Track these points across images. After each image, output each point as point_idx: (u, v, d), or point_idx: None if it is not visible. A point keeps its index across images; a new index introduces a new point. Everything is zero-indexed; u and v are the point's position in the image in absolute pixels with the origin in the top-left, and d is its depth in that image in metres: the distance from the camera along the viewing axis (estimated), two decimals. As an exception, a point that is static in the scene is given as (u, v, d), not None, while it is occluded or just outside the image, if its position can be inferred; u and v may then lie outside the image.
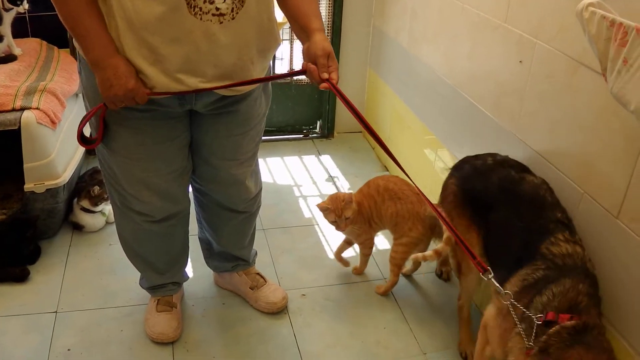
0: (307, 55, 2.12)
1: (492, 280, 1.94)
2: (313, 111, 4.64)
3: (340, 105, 4.59)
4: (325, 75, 2.07)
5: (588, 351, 1.76)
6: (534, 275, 2.08)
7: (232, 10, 2.02)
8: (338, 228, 2.96)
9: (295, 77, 4.45)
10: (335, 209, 2.89)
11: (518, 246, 2.23)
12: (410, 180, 2.16)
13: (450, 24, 3.20)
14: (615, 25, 1.51)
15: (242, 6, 2.04)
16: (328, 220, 2.96)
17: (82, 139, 2.24)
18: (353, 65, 4.52)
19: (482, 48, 2.87)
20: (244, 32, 2.10)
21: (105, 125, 2.22)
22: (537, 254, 2.11)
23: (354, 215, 2.93)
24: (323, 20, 4.11)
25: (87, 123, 2.26)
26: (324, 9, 4.29)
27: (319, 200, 3.76)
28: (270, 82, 2.56)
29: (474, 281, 2.66)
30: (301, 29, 2.18)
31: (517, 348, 1.95)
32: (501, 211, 2.35)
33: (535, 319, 1.89)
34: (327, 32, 4.36)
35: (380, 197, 2.97)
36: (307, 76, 2.13)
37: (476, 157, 2.60)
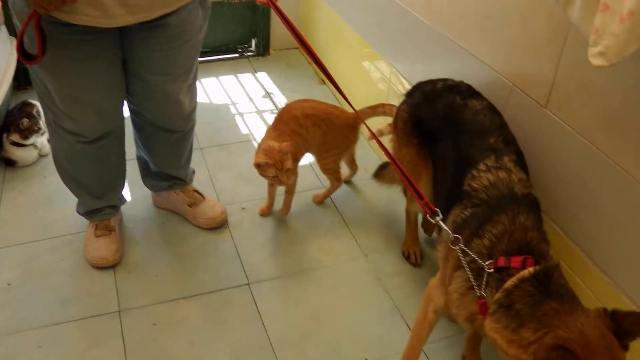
0: None
1: (440, 223, 1.90)
2: (247, 29, 4.56)
3: (275, 22, 4.52)
4: None
5: (563, 304, 1.62)
6: (462, 216, 1.98)
7: None
8: (280, 183, 2.72)
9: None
10: (275, 163, 2.62)
11: (450, 182, 2.17)
12: (348, 102, 2.16)
13: None
14: None
15: None
16: (267, 177, 2.69)
17: (23, 55, 2.14)
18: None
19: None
20: None
21: (44, 37, 2.10)
22: (462, 191, 2.03)
23: (293, 163, 2.72)
24: None
25: (26, 40, 2.15)
26: None
27: (257, 118, 3.75)
28: None
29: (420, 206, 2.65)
30: None
31: (468, 299, 1.84)
32: (443, 142, 2.29)
33: (485, 266, 1.76)
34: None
35: (305, 129, 2.84)
36: None
37: (428, 82, 2.50)
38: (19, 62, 2.46)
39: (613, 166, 1.87)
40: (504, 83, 2.30)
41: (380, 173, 2.99)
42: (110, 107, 2.47)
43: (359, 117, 2.46)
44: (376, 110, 2.91)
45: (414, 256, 2.83)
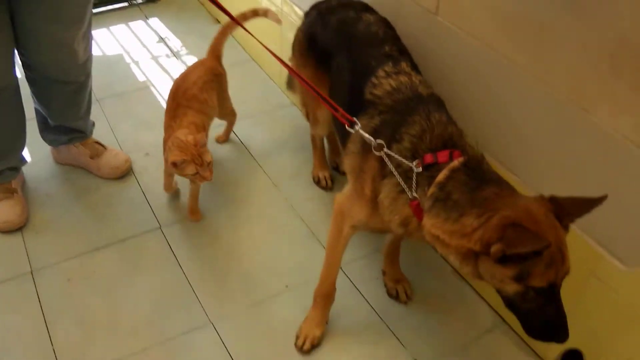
0: None
1: (361, 131, 1.86)
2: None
3: (162, -34, 4.41)
4: None
5: (502, 188, 1.64)
6: (372, 125, 1.94)
7: None
8: (203, 179, 2.42)
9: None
10: (193, 158, 2.36)
11: (349, 94, 2.14)
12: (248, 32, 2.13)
13: None
14: None
15: None
16: (188, 175, 2.42)
17: None
18: None
19: None
20: None
21: None
22: (364, 100, 2.00)
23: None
24: None
25: None
26: None
27: (152, 64, 3.66)
28: None
29: (324, 129, 2.65)
30: None
31: (400, 204, 1.81)
32: (338, 57, 2.25)
33: (413, 166, 1.74)
34: None
35: (205, 102, 2.64)
36: None
37: (323, 1, 2.46)
38: None
39: (508, 65, 1.89)
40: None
41: (293, 84, 2.95)
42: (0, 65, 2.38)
43: (238, 24, 2.33)
44: (253, 14, 2.80)
45: (324, 180, 2.83)
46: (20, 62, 2.54)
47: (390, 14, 2.32)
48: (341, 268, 2.29)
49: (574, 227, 1.63)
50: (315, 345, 2.24)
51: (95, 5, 4.23)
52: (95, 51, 3.72)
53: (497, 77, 1.97)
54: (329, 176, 2.85)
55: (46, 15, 2.32)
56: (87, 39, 2.57)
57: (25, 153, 2.83)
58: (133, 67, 3.69)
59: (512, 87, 1.93)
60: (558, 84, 1.75)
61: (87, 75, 2.71)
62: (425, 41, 2.22)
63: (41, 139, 2.90)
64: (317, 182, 2.84)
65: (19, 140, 2.71)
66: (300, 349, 2.23)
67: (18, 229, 2.65)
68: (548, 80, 1.78)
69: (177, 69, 3.51)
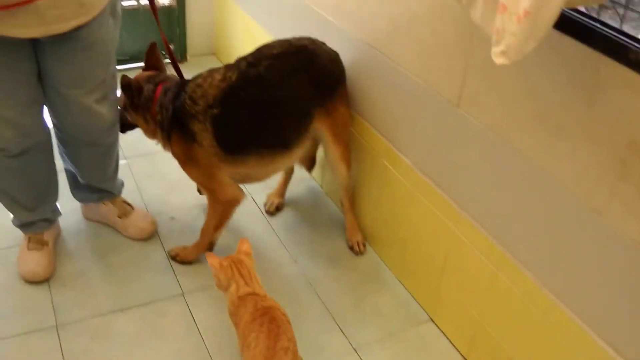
0: None
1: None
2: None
3: (191, 28, 4.54)
4: None
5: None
6: None
7: None
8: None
9: (143, 1, 4.34)
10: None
11: None
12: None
13: None
14: None
15: None
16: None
17: None
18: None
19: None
20: None
21: None
22: None
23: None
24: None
25: None
26: None
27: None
28: (119, 5, 2.51)
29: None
30: None
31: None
32: None
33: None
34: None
35: None
36: None
37: None
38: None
39: (524, 160, 1.97)
40: (416, 83, 2.41)
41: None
42: (29, 122, 2.46)
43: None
44: None
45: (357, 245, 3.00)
46: (50, 120, 2.65)
47: (412, 102, 2.44)
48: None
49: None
50: None
51: (125, 62, 4.36)
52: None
53: (511, 171, 2.06)
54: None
55: (70, 79, 2.43)
56: (111, 101, 2.64)
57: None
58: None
59: (525, 181, 2.02)
60: (571, 183, 1.84)
61: (115, 138, 2.80)
62: (446, 131, 2.32)
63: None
64: (351, 247, 3.00)
65: (51, 193, 2.81)
66: None
67: (44, 280, 2.72)
68: (561, 179, 1.86)
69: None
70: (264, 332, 2.06)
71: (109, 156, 2.82)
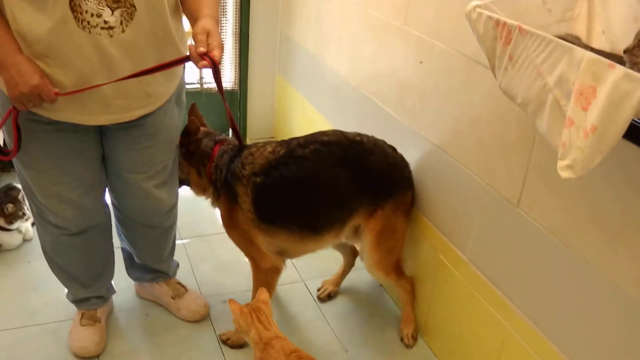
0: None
1: None
2: (224, 119, 4.60)
3: (251, 111, 4.64)
4: (202, 50, 2.01)
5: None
6: None
7: (121, 23, 2.04)
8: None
9: (205, 85, 4.47)
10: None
11: None
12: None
13: (352, 28, 3.29)
14: (500, 25, 1.61)
15: (132, 19, 2.06)
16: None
17: None
18: (262, 71, 4.57)
19: (384, 50, 2.97)
20: (136, 44, 2.11)
21: (19, 133, 2.16)
22: None
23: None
24: (230, 27, 4.18)
25: (4, 135, 2.23)
26: (230, 15, 4.33)
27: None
28: (184, 93, 2.58)
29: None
30: (195, 22, 2.15)
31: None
32: None
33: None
34: (235, 39, 4.40)
35: None
36: (191, 60, 2.07)
37: None
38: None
39: (583, 265, 1.96)
40: (477, 181, 2.41)
41: None
42: (91, 204, 2.51)
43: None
44: None
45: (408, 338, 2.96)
46: (110, 201, 2.71)
47: (471, 199, 2.45)
48: None
49: None
50: None
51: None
52: (184, 190, 3.92)
53: (569, 274, 2.03)
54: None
55: (133, 165, 2.49)
56: (171, 186, 2.70)
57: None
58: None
59: (583, 285, 1.98)
60: (630, 289, 1.80)
61: (173, 221, 2.85)
62: (504, 230, 2.32)
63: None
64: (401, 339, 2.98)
65: (107, 272, 2.85)
66: None
67: (95, 357, 2.74)
68: (620, 284, 1.83)
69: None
70: None
71: (166, 238, 2.86)
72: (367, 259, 2.78)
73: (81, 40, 2.02)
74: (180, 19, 2.33)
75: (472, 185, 2.43)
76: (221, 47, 2.04)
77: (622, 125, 1.33)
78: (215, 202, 2.81)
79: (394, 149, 2.75)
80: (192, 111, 2.86)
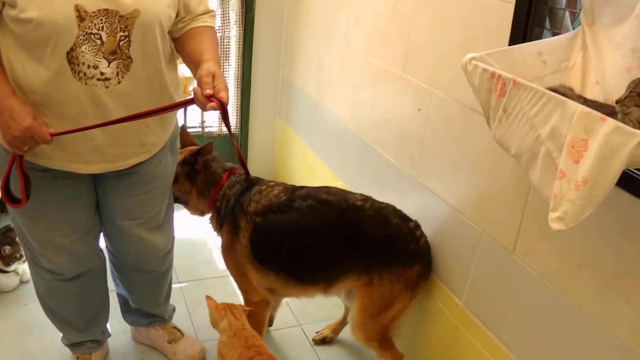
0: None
1: None
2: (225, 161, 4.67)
3: (252, 154, 4.67)
4: (209, 92, 1.99)
5: None
6: None
7: (117, 75, 2.07)
8: None
9: (206, 128, 4.50)
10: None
11: None
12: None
13: (353, 75, 3.33)
14: (495, 77, 1.64)
15: (128, 70, 2.09)
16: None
17: (8, 197, 2.18)
18: (263, 116, 4.61)
19: (384, 97, 3.00)
20: (132, 95, 2.14)
21: (27, 181, 2.14)
22: None
23: None
24: (233, 71, 4.22)
25: (12, 184, 2.20)
26: (233, 60, 4.38)
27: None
28: (178, 140, 2.60)
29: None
30: (196, 68, 2.14)
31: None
32: None
33: None
34: (237, 83, 4.44)
35: None
36: (196, 104, 2.04)
37: None
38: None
39: (578, 312, 1.96)
40: (474, 228, 2.42)
41: None
42: (84, 250, 2.52)
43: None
44: None
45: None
46: (105, 246, 2.72)
47: (467, 245, 2.46)
48: None
49: None
50: None
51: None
52: (181, 233, 3.92)
53: (564, 320, 2.03)
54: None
55: (127, 212, 2.50)
56: (166, 231, 2.71)
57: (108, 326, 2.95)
58: (215, 253, 3.85)
59: (577, 331, 1.98)
60: (624, 335, 1.80)
61: (169, 265, 2.85)
62: (500, 276, 2.32)
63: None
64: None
65: (102, 316, 2.84)
66: None
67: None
68: (614, 330, 1.84)
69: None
70: None
71: (162, 283, 2.86)
72: (352, 319, 2.70)
73: (77, 91, 2.04)
74: (175, 68, 2.36)
75: (469, 231, 2.45)
76: (227, 89, 2.05)
77: (613, 178, 1.35)
78: (218, 228, 2.85)
79: (405, 219, 2.65)
80: (183, 131, 2.86)
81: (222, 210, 2.77)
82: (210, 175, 2.80)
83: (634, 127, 1.48)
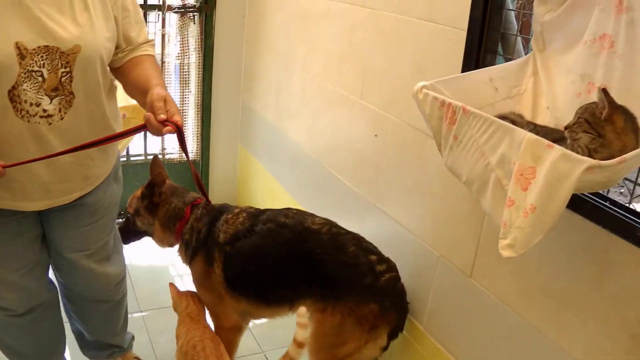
0: (146, 109, 2.09)
1: None
2: (187, 188, 4.63)
3: (214, 181, 4.66)
4: (163, 117, 2.00)
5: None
6: None
7: (59, 111, 2.06)
8: None
9: (167, 155, 4.47)
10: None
11: None
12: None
13: (311, 101, 3.35)
14: (445, 105, 1.66)
15: (70, 106, 2.08)
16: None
17: None
18: (224, 142, 4.61)
19: (341, 123, 3.03)
20: (75, 131, 2.13)
21: None
22: None
23: None
24: (193, 98, 4.22)
25: None
26: (193, 87, 4.38)
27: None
28: (120, 170, 2.58)
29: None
30: (143, 95, 2.14)
31: None
32: None
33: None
34: (197, 110, 4.44)
35: None
36: (149, 130, 2.05)
37: None
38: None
39: (535, 333, 1.98)
40: (431, 252, 2.46)
41: None
42: (33, 284, 2.47)
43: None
44: None
45: None
46: (55, 280, 2.67)
47: (426, 270, 2.48)
48: None
49: None
50: None
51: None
52: (143, 260, 3.90)
53: (522, 342, 2.06)
54: None
55: (75, 244, 2.46)
56: (116, 260, 2.67)
57: (68, 357, 2.91)
58: (177, 279, 3.82)
59: (535, 353, 2.01)
60: (580, 357, 1.84)
61: (123, 293, 2.80)
62: (458, 300, 2.35)
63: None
64: None
65: (58, 350, 2.79)
66: None
67: None
68: (571, 351, 1.87)
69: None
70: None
71: (117, 311, 2.82)
72: (308, 344, 2.51)
73: (20, 130, 2.03)
74: (115, 99, 2.35)
75: (426, 256, 2.47)
76: (180, 113, 2.06)
77: (561, 205, 1.38)
78: (187, 260, 2.80)
79: (367, 250, 2.51)
80: (155, 162, 2.86)
81: (192, 242, 2.73)
82: (172, 210, 2.75)
83: (583, 152, 1.52)
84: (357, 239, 2.54)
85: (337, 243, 2.50)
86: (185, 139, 2.18)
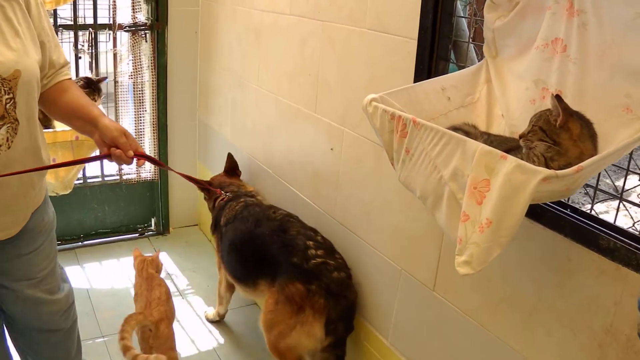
0: (104, 142, 2.09)
1: None
2: (146, 209, 4.59)
3: (173, 200, 4.59)
4: (131, 153, 2.06)
5: None
6: None
7: (7, 140, 1.99)
8: None
9: (125, 176, 4.40)
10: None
11: None
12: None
13: (266, 116, 3.30)
14: (395, 118, 1.62)
15: (16, 134, 2.01)
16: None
17: None
18: (182, 159, 4.54)
19: (297, 137, 2.98)
20: (21, 159, 2.06)
21: None
22: None
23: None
24: (149, 118, 4.17)
25: None
26: (148, 106, 4.31)
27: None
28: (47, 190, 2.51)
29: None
30: (84, 122, 2.14)
31: None
32: None
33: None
34: (153, 130, 4.37)
35: None
36: (113, 160, 2.09)
37: None
38: None
39: (502, 347, 1.95)
40: (393, 267, 2.42)
41: None
42: None
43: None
44: None
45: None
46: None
47: (389, 285, 2.44)
48: None
49: None
50: None
51: (107, 235, 4.38)
52: (104, 283, 3.82)
53: (487, 354, 2.03)
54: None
55: (19, 274, 2.35)
56: (62, 288, 2.55)
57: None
58: (139, 305, 3.72)
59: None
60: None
61: (73, 320, 2.69)
62: (422, 314, 2.31)
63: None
64: None
65: None
66: None
67: None
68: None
69: (182, 309, 3.55)
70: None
71: (69, 339, 2.69)
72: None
73: None
74: (40, 125, 2.29)
75: (388, 270, 2.43)
76: (138, 143, 2.13)
77: (518, 218, 1.33)
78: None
79: (308, 237, 2.67)
80: (229, 158, 3.55)
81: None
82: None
83: (539, 161, 1.48)
84: (305, 227, 2.78)
85: (284, 227, 2.77)
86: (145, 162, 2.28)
